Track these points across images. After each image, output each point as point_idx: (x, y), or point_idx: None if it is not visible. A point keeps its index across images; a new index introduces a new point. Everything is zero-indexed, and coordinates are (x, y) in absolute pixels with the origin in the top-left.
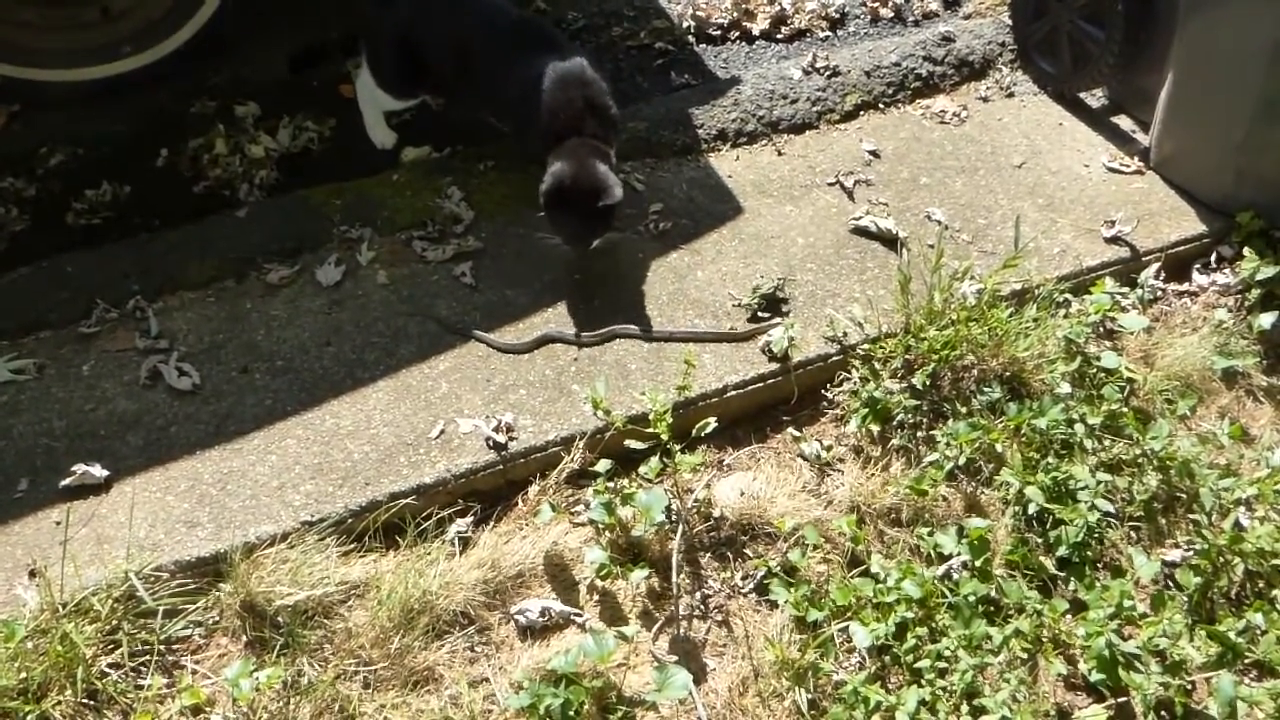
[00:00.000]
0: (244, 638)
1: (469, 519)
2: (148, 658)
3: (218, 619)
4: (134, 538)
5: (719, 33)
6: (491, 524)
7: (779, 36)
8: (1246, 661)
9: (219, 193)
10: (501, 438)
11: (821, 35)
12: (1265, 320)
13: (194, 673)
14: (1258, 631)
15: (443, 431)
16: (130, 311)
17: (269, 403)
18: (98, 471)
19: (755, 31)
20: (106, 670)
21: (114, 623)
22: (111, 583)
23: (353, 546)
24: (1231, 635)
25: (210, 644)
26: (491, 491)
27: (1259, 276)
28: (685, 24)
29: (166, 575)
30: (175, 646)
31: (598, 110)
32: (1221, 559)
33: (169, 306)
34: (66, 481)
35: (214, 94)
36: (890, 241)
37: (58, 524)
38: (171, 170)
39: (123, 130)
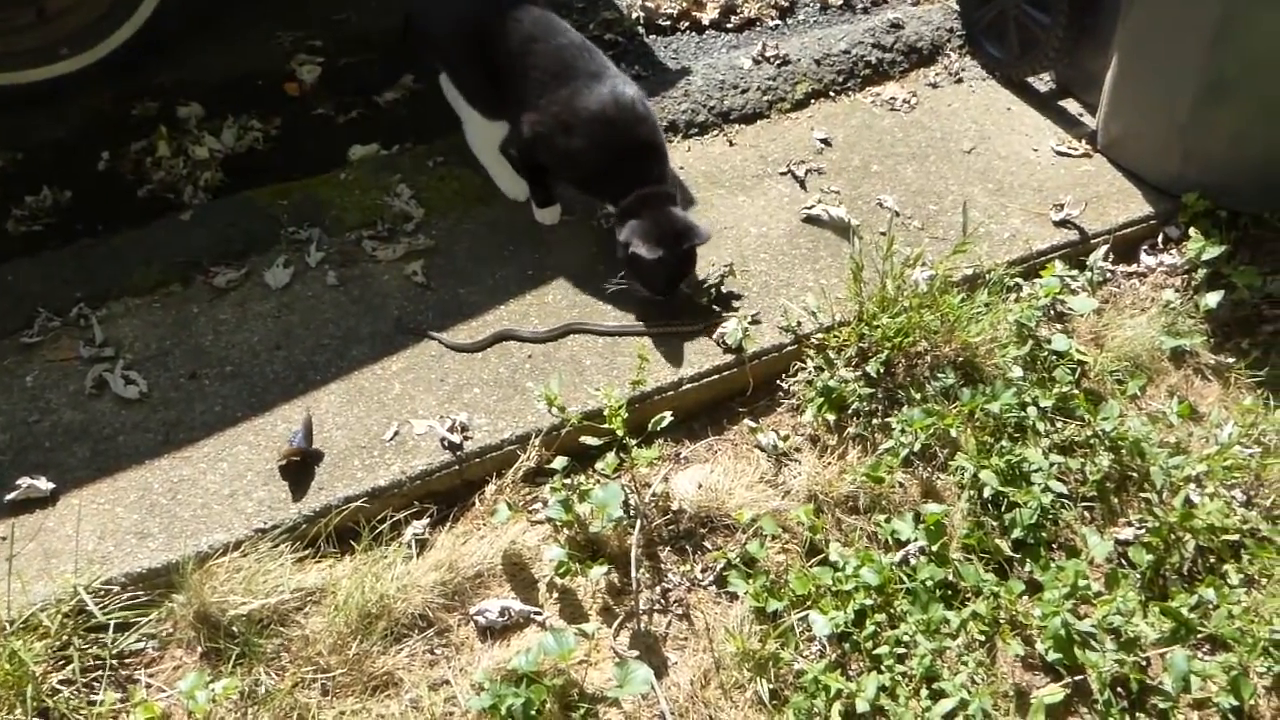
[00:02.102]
0: (199, 649)
1: (425, 521)
2: (100, 673)
3: (171, 631)
4: (82, 551)
5: (669, 23)
6: (448, 525)
7: (729, 26)
8: (1199, 636)
9: (163, 195)
10: (456, 438)
11: (771, 24)
12: (1211, 299)
13: (148, 686)
14: (1209, 606)
15: (397, 433)
16: (74, 319)
17: (219, 409)
18: (43, 484)
19: (705, 21)
20: (57, 687)
21: (64, 638)
22: (60, 598)
23: (307, 553)
24: (1184, 611)
25: (164, 656)
26: (448, 492)
27: (1204, 257)
28: (635, 14)
29: (117, 588)
30: (128, 660)
31: (656, 150)
32: (1173, 536)
33: (114, 313)
34: (11, 495)
35: (156, 95)
36: (842, 230)
37: (3, 539)
38: (114, 174)
39: (63, 134)
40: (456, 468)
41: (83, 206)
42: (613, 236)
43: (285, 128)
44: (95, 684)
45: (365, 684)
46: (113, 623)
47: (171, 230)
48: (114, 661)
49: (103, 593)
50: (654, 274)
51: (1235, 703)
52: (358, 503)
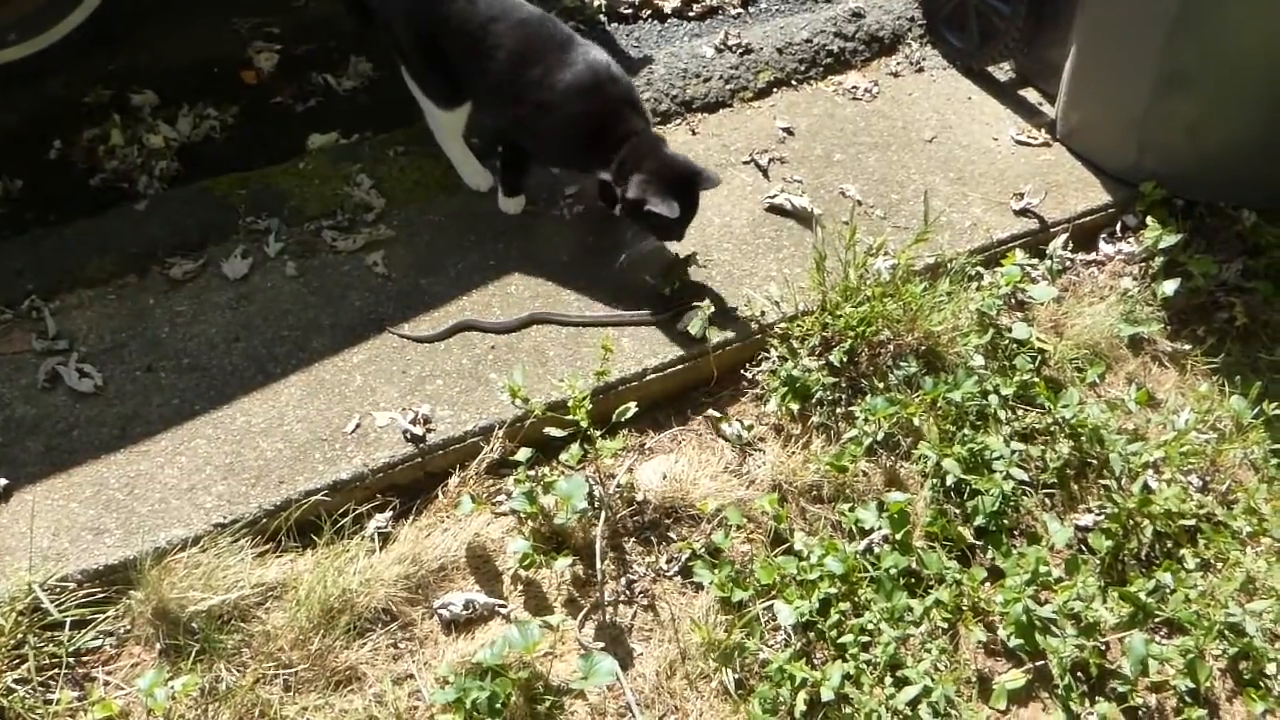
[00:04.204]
0: (158, 646)
1: (388, 514)
2: (56, 671)
3: (129, 628)
4: (37, 548)
5: (630, 11)
6: (411, 518)
7: (691, 14)
8: (1156, 620)
9: (117, 185)
10: (419, 430)
11: (733, 12)
12: (1168, 287)
13: (106, 684)
14: (1167, 591)
15: (358, 425)
16: (26, 312)
17: (176, 402)
18: None
19: (667, 9)
20: (13, 686)
21: (19, 636)
22: (14, 595)
23: (268, 547)
24: (1142, 596)
25: (122, 654)
26: (410, 485)
27: (1161, 245)
28: (596, 2)
29: (73, 585)
30: (85, 658)
31: (637, 107)
32: (1131, 521)
33: (67, 305)
34: None
35: (109, 82)
36: (805, 219)
37: None
38: (65, 162)
39: (12, 121)
40: (419, 460)
41: (34, 196)
42: (577, 225)
43: (242, 116)
44: (51, 682)
45: (328, 679)
46: (69, 620)
47: (126, 220)
48: (71, 659)
49: (58, 590)
50: (668, 225)
51: (1192, 685)
52: (319, 496)
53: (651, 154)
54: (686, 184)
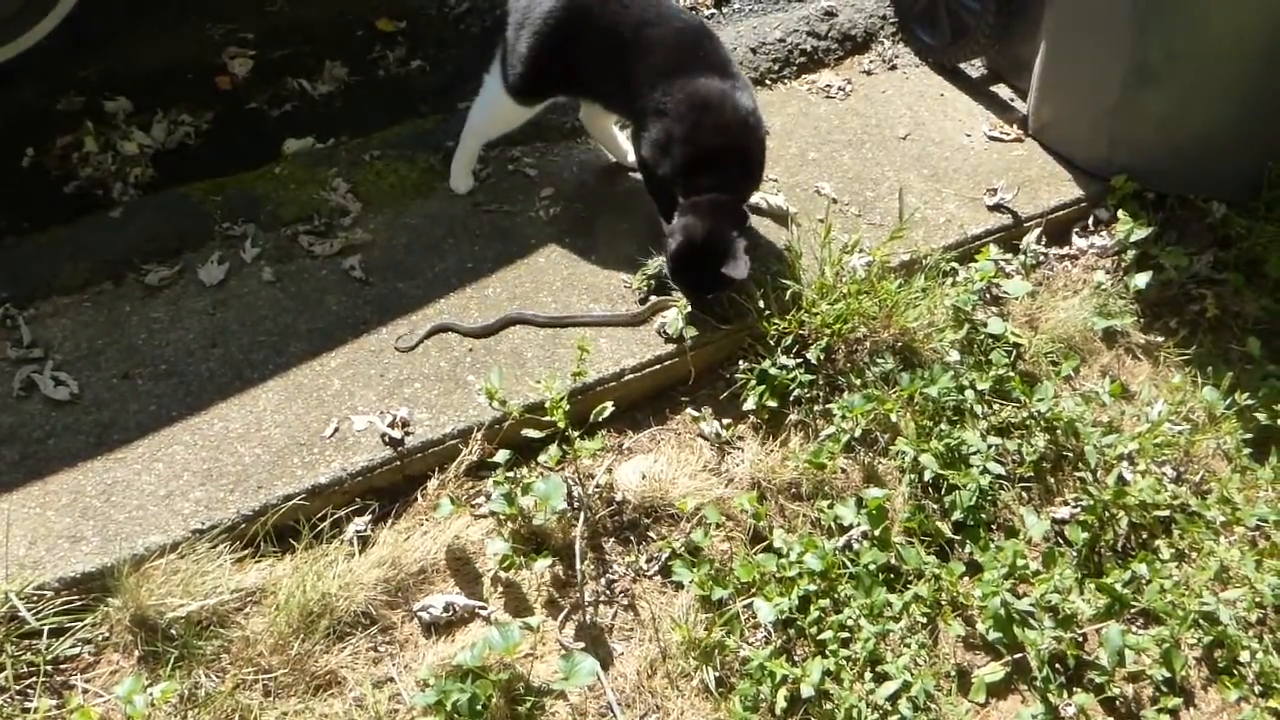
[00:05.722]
0: (136, 653)
1: (367, 517)
2: (34, 679)
3: (108, 635)
4: (13, 556)
5: None
6: (391, 521)
7: None
8: (1133, 611)
9: (91, 192)
10: (397, 433)
11: (707, 13)
12: (1140, 280)
13: (85, 692)
14: (1143, 581)
15: (337, 429)
16: (0, 320)
17: (153, 409)
18: None
19: None
20: None
21: None
22: None
23: (247, 552)
24: (1118, 587)
25: (101, 661)
26: (389, 488)
27: (1133, 238)
28: None
29: (50, 593)
30: (64, 666)
31: (747, 160)
32: (1107, 513)
33: (42, 313)
34: None
35: (82, 89)
36: (780, 217)
37: None
38: (39, 170)
39: None
40: (398, 463)
41: (7, 204)
42: (554, 226)
43: (217, 122)
44: (30, 691)
45: (308, 684)
46: (46, 628)
47: (101, 227)
48: (49, 668)
49: (35, 598)
50: (686, 285)
51: (1168, 674)
52: (297, 500)
53: (716, 216)
54: (704, 255)
